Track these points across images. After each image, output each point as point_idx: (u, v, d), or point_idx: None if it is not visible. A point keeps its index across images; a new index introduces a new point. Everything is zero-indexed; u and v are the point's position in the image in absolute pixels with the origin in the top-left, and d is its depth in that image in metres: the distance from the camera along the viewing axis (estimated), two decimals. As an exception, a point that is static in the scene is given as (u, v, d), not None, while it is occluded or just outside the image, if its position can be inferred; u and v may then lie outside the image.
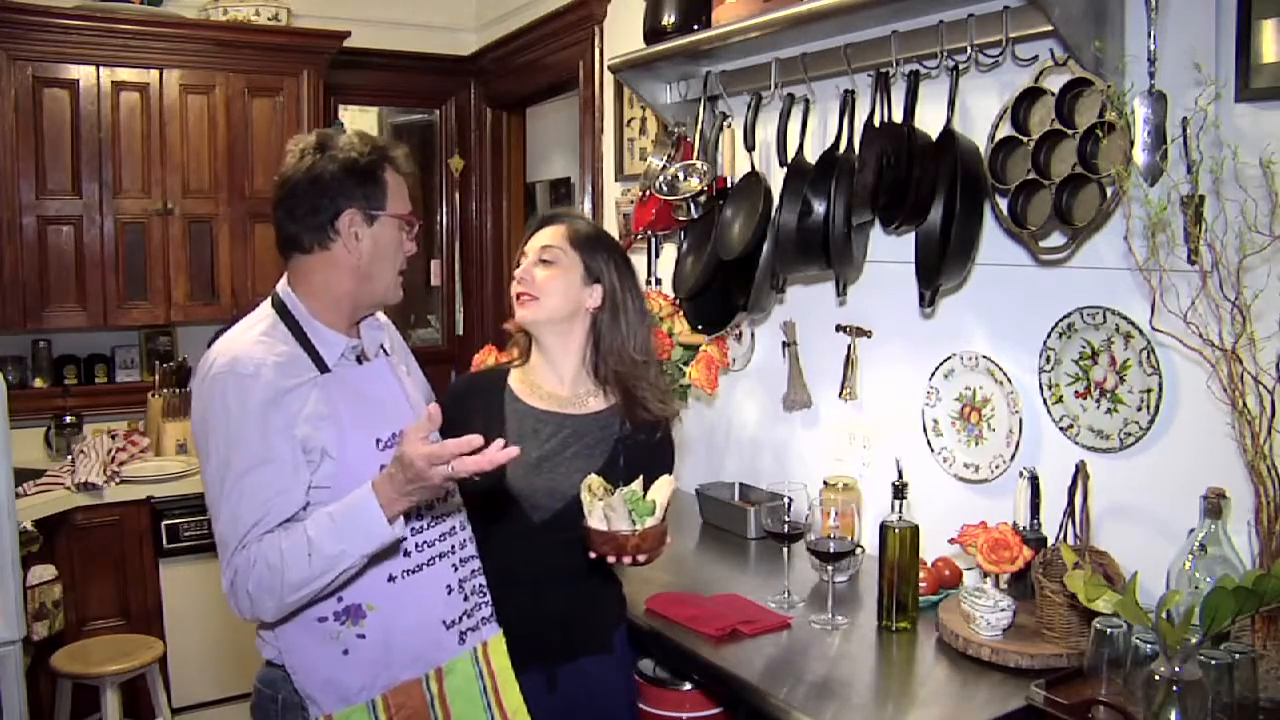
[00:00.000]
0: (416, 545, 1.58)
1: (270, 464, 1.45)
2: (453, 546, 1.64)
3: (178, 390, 3.76)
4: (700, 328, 2.52)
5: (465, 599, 1.63)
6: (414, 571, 1.57)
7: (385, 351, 1.73)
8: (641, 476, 1.65)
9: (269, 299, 1.63)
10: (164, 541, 3.39)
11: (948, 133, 1.95)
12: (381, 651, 1.54)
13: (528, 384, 1.85)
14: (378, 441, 1.56)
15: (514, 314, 1.85)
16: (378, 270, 1.60)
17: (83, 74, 3.46)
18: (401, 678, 1.56)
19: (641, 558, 1.60)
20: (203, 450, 1.50)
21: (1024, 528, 1.89)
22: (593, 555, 1.62)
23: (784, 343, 2.56)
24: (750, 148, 2.39)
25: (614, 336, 1.82)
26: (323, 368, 1.55)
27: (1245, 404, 1.53)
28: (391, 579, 1.55)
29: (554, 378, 1.84)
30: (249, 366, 1.48)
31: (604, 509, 1.59)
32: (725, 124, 2.58)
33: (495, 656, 1.67)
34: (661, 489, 1.64)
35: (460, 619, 1.62)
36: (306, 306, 1.59)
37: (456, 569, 1.63)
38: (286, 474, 1.47)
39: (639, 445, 1.82)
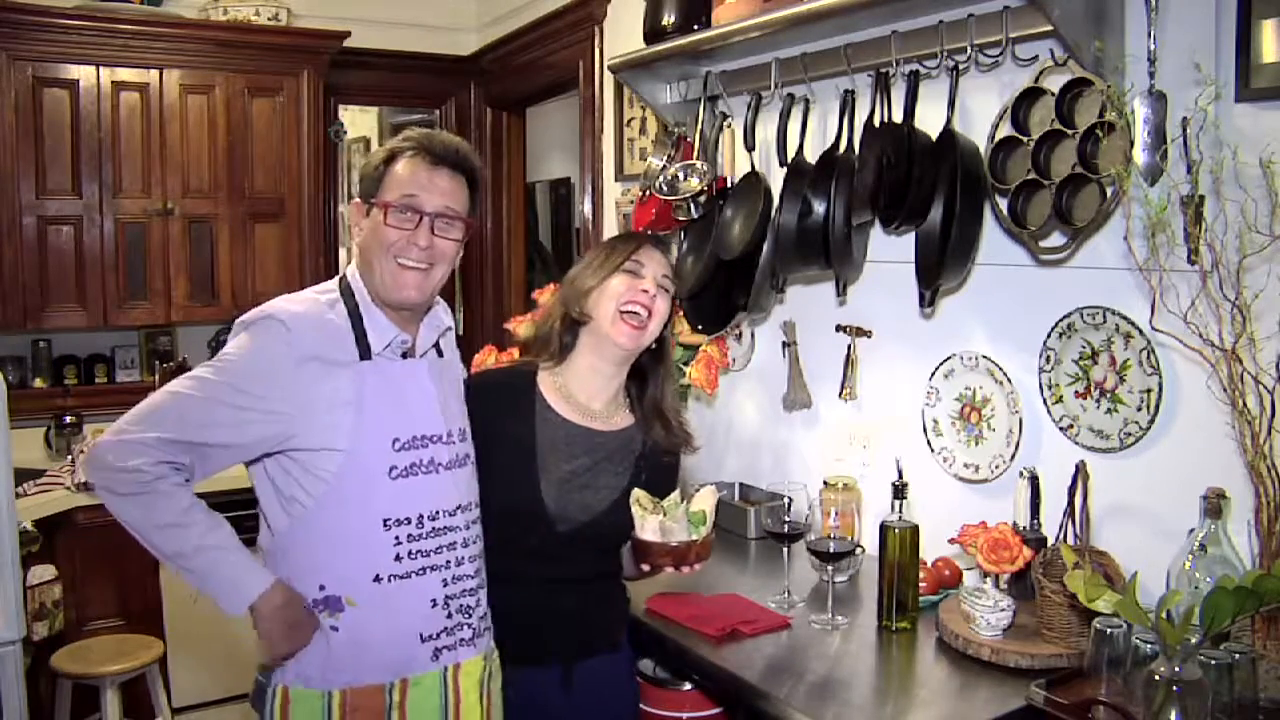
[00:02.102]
0: (409, 553, 1.56)
1: (249, 423, 1.48)
2: (447, 561, 1.60)
3: (178, 390, 3.75)
4: (700, 328, 2.52)
5: (449, 616, 1.60)
6: (401, 578, 1.55)
7: (440, 353, 1.72)
8: (679, 489, 1.73)
9: (338, 277, 1.65)
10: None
11: (948, 133, 1.95)
12: (351, 649, 1.53)
13: (559, 392, 1.80)
14: (394, 441, 1.56)
15: (591, 318, 1.76)
16: (370, 259, 1.59)
17: (83, 74, 3.46)
18: (365, 679, 1.54)
19: (698, 566, 1.68)
20: (221, 356, 1.52)
21: (1024, 528, 1.89)
22: (646, 567, 1.69)
23: (784, 343, 2.56)
24: (750, 148, 2.39)
25: (665, 374, 1.84)
26: (365, 354, 1.55)
27: (1245, 404, 1.53)
28: (377, 579, 1.53)
29: (592, 392, 1.81)
30: (284, 315, 1.51)
31: (661, 522, 1.65)
32: (725, 124, 2.58)
33: (464, 680, 1.62)
34: (707, 499, 1.70)
35: (438, 635, 1.59)
36: (369, 292, 1.60)
37: (446, 584, 1.60)
38: (250, 435, 1.49)
39: (658, 463, 1.83)
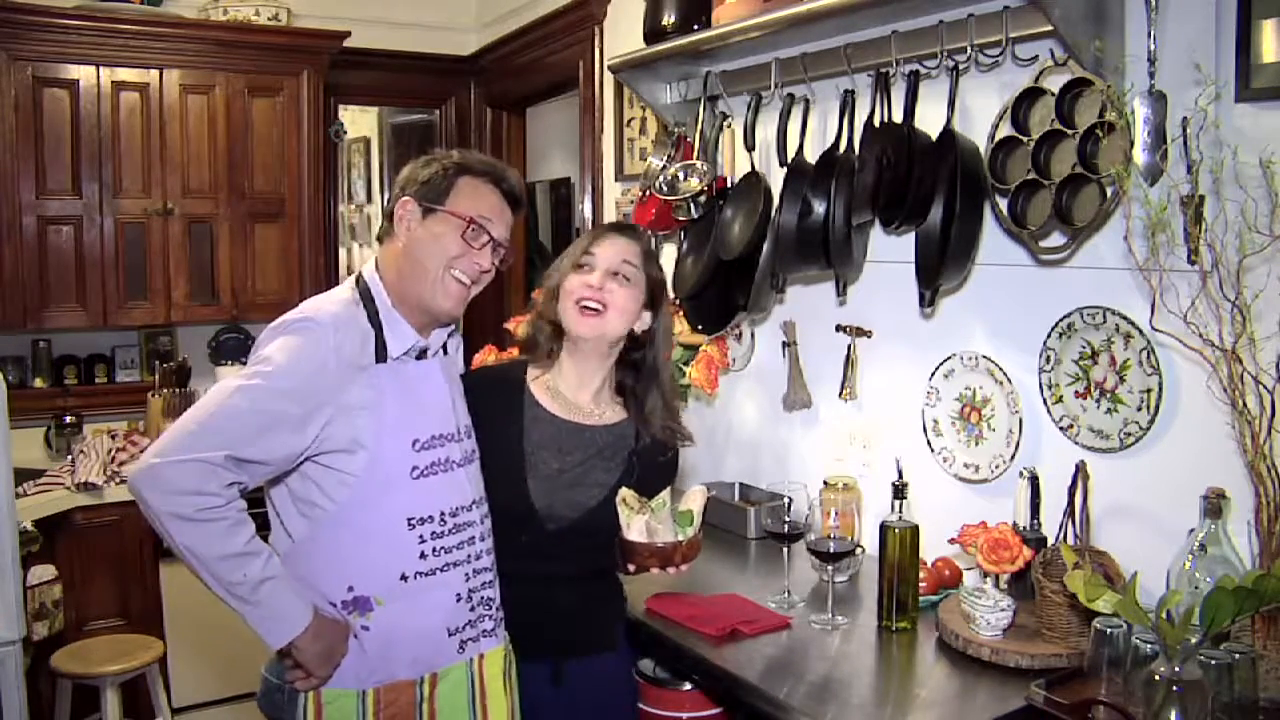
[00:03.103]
0: (434, 550, 1.58)
1: (286, 418, 1.44)
2: (469, 556, 1.63)
3: (178, 390, 3.75)
4: (700, 328, 2.52)
5: (472, 609, 1.63)
6: (427, 575, 1.57)
7: (445, 351, 1.73)
8: (669, 489, 1.70)
9: (353, 278, 1.64)
10: (164, 542, 3.38)
11: (948, 133, 1.95)
12: (382, 647, 1.55)
13: (548, 389, 1.81)
14: (414, 442, 1.57)
15: (558, 315, 1.77)
16: (421, 262, 1.58)
17: (83, 74, 3.46)
18: (396, 676, 1.57)
19: (685, 567, 1.66)
20: (265, 362, 1.47)
21: (1024, 528, 1.89)
22: (632, 568, 1.67)
23: (784, 343, 2.56)
24: (750, 148, 2.39)
25: (659, 367, 1.82)
26: (381, 357, 1.56)
27: (1245, 404, 1.53)
28: (404, 578, 1.55)
29: (579, 388, 1.81)
30: (326, 319, 1.51)
31: (647, 522, 1.62)
32: (725, 124, 2.58)
33: (489, 670, 1.66)
34: (696, 499, 1.69)
35: (463, 628, 1.62)
36: (388, 294, 1.60)
37: (469, 579, 1.63)
38: (295, 443, 1.46)
39: (652, 461, 1.82)
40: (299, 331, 1.50)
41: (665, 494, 1.68)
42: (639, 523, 1.63)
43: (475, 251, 1.60)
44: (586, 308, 1.74)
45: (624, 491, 1.67)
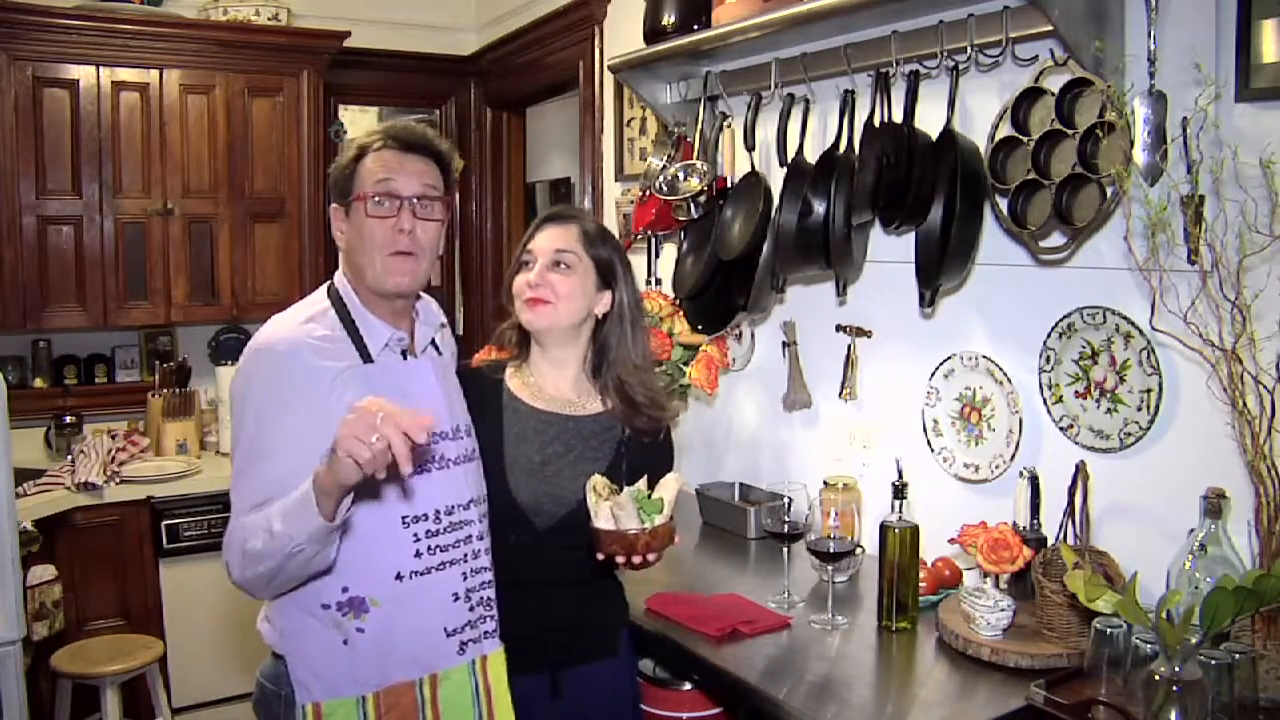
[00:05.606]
0: (429, 548, 1.57)
1: (285, 449, 1.45)
2: (465, 555, 1.62)
3: (178, 390, 3.76)
4: (700, 328, 2.52)
5: (470, 609, 1.62)
6: (422, 574, 1.56)
7: (438, 350, 1.72)
8: (645, 476, 1.64)
9: (325, 286, 1.65)
10: (164, 541, 3.39)
11: (948, 133, 1.95)
12: (378, 648, 1.54)
13: (526, 384, 1.81)
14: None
15: (515, 314, 1.80)
16: (361, 257, 1.58)
17: (83, 74, 3.46)
18: (394, 678, 1.56)
19: (651, 557, 1.60)
20: (235, 420, 1.53)
21: (1024, 528, 1.90)
22: (600, 557, 1.62)
23: (784, 343, 2.57)
24: (750, 148, 2.39)
25: (621, 343, 1.79)
26: (366, 357, 1.56)
27: (1245, 404, 1.53)
28: (399, 577, 1.55)
29: (555, 380, 1.81)
30: (283, 346, 1.51)
31: (611, 509, 1.58)
32: (725, 124, 2.58)
33: (493, 671, 1.64)
34: (668, 486, 1.64)
35: (463, 629, 1.61)
36: (358, 296, 1.61)
37: (466, 578, 1.61)
38: (299, 459, 1.43)
39: (641, 446, 1.80)
40: (252, 363, 1.52)
41: (641, 482, 1.64)
42: (605, 510, 1.60)
43: (395, 219, 1.56)
44: (532, 300, 1.75)
45: (595, 478, 1.64)
